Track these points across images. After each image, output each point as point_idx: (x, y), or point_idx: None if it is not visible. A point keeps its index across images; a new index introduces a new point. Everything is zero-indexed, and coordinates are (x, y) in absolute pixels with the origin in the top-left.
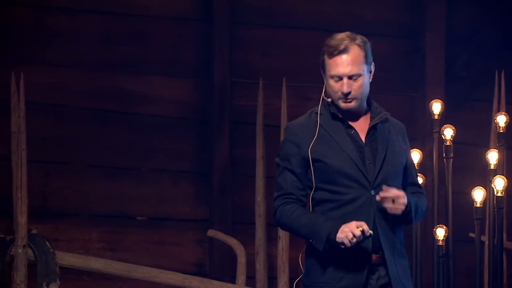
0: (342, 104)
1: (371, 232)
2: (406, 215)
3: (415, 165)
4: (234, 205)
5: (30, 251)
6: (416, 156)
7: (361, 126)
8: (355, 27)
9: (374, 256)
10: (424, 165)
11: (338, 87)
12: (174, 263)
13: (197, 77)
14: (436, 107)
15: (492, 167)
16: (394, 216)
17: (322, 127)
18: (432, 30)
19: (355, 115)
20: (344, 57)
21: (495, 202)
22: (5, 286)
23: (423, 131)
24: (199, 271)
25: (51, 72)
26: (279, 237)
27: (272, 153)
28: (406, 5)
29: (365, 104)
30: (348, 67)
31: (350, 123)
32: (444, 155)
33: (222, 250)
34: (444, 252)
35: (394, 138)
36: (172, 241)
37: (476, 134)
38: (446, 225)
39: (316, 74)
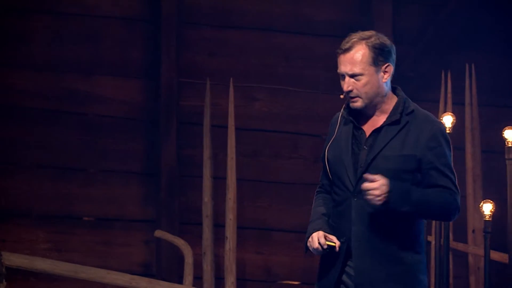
0: (350, 103)
1: (329, 244)
2: (395, 207)
3: (448, 167)
4: (181, 206)
5: None
6: None
7: (372, 128)
8: (303, 27)
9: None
10: None
11: (342, 85)
12: (122, 263)
13: (144, 78)
14: None
15: None
16: (390, 219)
17: (340, 127)
18: (379, 31)
19: (371, 115)
20: (346, 55)
21: None
22: None
23: None
24: (147, 271)
25: None
26: (227, 237)
27: (220, 153)
28: (353, 5)
29: (382, 104)
30: (349, 65)
31: (362, 124)
32: None
33: (169, 251)
34: None
35: (403, 140)
36: (120, 242)
37: None
38: None
39: (263, 74)
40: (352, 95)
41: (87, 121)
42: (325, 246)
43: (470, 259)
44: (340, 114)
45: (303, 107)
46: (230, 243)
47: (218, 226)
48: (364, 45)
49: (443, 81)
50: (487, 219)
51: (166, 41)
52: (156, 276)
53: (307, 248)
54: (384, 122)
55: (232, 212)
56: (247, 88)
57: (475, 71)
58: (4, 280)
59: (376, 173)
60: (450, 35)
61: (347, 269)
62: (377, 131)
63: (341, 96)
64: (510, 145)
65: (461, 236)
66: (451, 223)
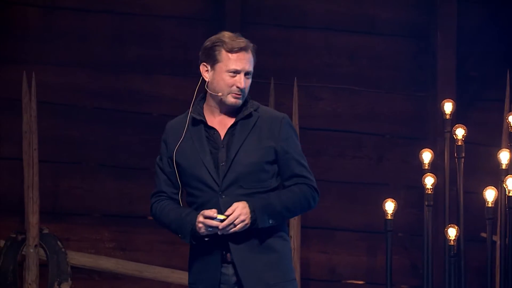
0: (232, 99)
1: (221, 216)
2: (263, 224)
3: (301, 155)
4: None
5: (41, 251)
6: (427, 156)
7: (225, 126)
8: (368, 27)
9: (227, 255)
10: (436, 165)
11: (232, 82)
12: (186, 262)
13: None
14: (448, 106)
15: (503, 166)
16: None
17: (188, 129)
18: (443, 29)
19: (222, 114)
20: (245, 54)
21: (506, 202)
22: (16, 286)
23: (434, 131)
24: None
25: (62, 71)
26: (291, 236)
27: None
28: (417, 4)
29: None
30: (247, 64)
31: (213, 123)
32: (455, 155)
33: None
34: (455, 251)
35: (258, 134)
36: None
37: (487, 134)
38: (457, 225)
39: (327, 74)
40: (241, 92)
41: (149, 120)
42: (219, 216)
43: None
44: (188, 116)
45: (367, 107)
46: (294, 242)
47: None
48: (251, 47)
49: (508, 80)
50: None
51: None
52: None
53: (190, 236)
54: (237, 118)
55: None
56: (310, 87)
57: None
58: (69, 278)
59: (241, 168)
60: None
61: (224, 267)
62: (232, 127)
63: (220, 94)
64: None
65: None
66: None
